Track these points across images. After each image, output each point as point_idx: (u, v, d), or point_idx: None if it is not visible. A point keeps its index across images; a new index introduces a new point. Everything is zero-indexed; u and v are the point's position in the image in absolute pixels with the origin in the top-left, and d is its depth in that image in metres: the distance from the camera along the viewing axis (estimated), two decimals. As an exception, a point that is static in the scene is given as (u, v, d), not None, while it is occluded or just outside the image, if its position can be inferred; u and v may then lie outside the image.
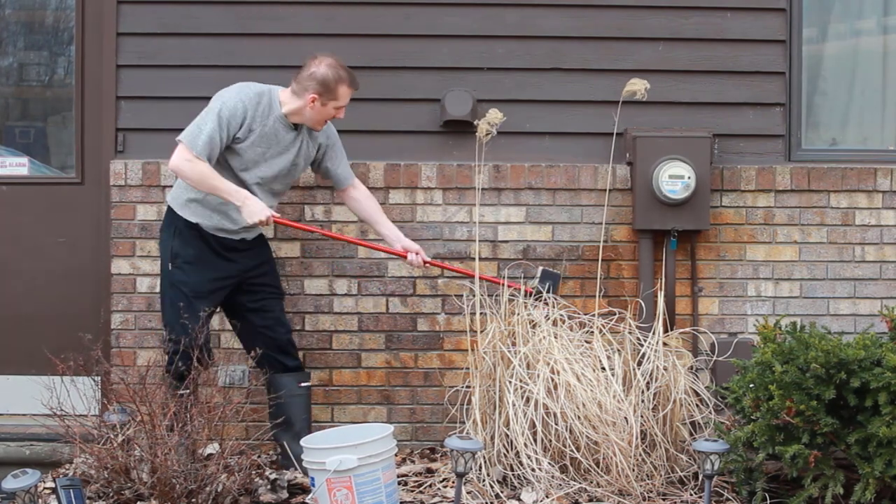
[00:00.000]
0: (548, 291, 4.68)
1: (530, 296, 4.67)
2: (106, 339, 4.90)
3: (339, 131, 4.68)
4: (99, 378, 4.40)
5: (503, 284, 4.70)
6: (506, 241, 5.01)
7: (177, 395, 4.08)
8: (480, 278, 4.65)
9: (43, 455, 4.80)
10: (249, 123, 4.36)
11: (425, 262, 4.68)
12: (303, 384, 4.61)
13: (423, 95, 5.01)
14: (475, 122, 4.66)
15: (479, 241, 4.94)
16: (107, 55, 4.99)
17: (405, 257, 4.66)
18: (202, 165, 4.27)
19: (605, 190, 4.98)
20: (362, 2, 5.01)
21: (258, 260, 4.59)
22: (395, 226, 4.72)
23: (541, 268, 4.84)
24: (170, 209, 4.51)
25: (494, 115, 4.58)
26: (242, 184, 4.39)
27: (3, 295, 5.11)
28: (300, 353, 4.89)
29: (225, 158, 4.38)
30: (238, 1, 5.01)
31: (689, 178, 4.82)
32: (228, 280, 4.51)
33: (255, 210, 4.30)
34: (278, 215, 4.44)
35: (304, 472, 4.15)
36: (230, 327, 4.79)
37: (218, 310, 4.64)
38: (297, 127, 4.47)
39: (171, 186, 4.94)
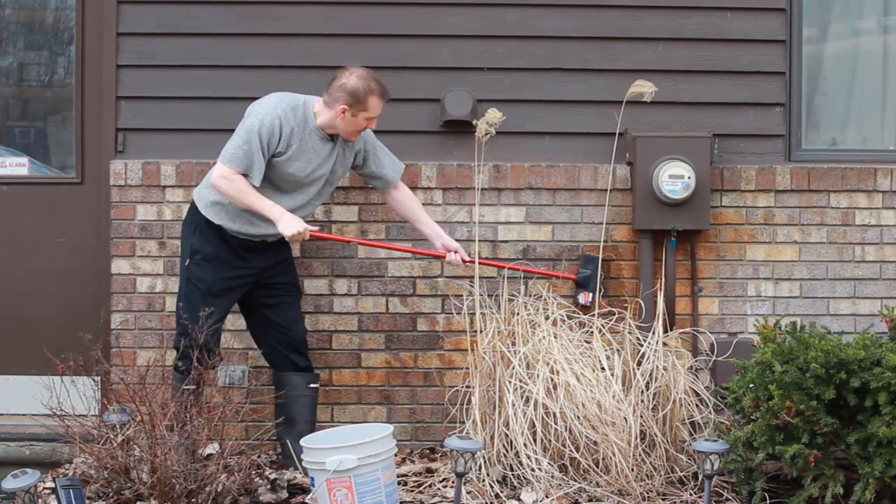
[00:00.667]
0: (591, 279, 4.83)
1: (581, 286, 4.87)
2: (106, 339, 4.90)
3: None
4: (99, 378, 4.40)
5: (558, 276, 4.84)
6: (506, 241, 5.01)
7: (182, 390, 4.09)
8: (529, 271, 4.78)
9: (43, 455, 4.80)
10: (287, 139, 4.36)
11: (464, 262, 4.67)
12: (311, 385, 4.61)
13: (423, 95, 5.01)
14: (475, 122, 4.66)
15: (479, 240, 4.94)
16: (107, 55, 4.99)
17: (444, 256, 4.67)
18: (239, 182, 4.29)
19: (606, 190, 4.98)
20: (362, 2, 5.02)
21: (276, 259, 4.57)
22: (436, 224, 4.72)
23: (584, 254, 4.91)
24: (193, 205, 4.52)
25: (493, 115, 4.58)
26: (282, 195, 4.41)
27: (3, 295, 5.11)
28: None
29: (268, 176, 4.39)
30: (238, 1, 5.01)
31: (689, 178, 4.82)
32: (245, 279, 4.51)
33: (291, 223, 4.31)
34: (316, 229, 4.45)
35: (305, 471, 4.15)
36: (230, 327, 4.79)
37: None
38: (332, 137, 4.47)
39: (171, 186, 4.95)
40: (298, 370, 4.58)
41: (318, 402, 4.68)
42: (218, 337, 4.48)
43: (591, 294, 4.84)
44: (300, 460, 4.12)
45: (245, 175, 4.29)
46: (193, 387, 4.11)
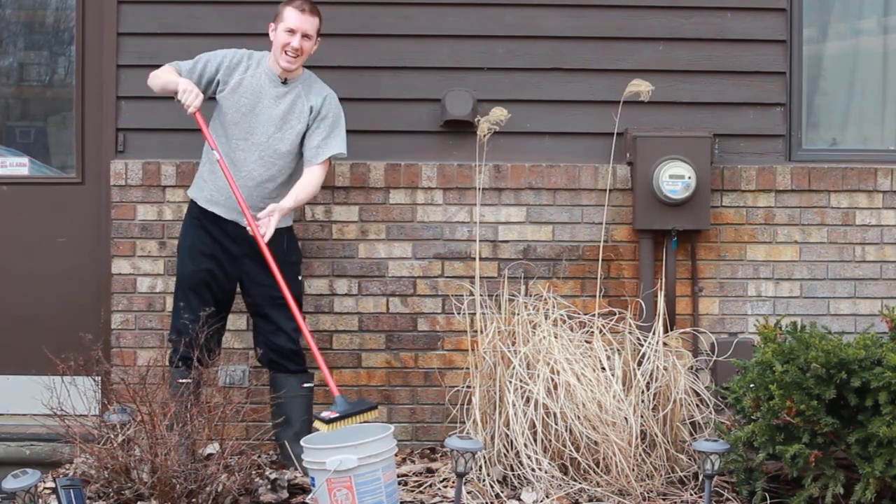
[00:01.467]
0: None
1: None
2: (106, 339, 4.90)
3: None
4: (99, 378, 4.39)
5: None
6: (506, 241, 5.01)
7: (180, 384, 4.08)
8: None
9: (43, 455, 4.80)
10: (231, 68, 4.47)
11: (252, 231, 4.32)
12: (305, 385, 4.60)
13: (423, 95, 5.01)
14: (475, 122, 4.66)
15: (480, 241, 4.94)
16: (107, 55, 4.99)
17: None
18: (165, 67, 4.49)
19: (606, 190, 4.98)
20: (362, 2, 5.02)
21: (253, 251, 4.39)
22: (287, 204, 4.36)
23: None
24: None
25: (499, 114, 4.59)
26: (234, 141, 4.44)
27: (3, 295, 5.11)
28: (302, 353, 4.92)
29: (217, 114, 4.47)
30: (238, 1, 5.01)
31: (689, 177, 4.82)
32: (219, 269, 4.47)
33: (187, 84, 4.38)
34: (200, 114, 4.38)
35: (305, 471, 4.15)
36: (230, 326, 4.78)
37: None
38: (286, 83, 4.49)
39: (172, 186, 4.96)
40: (289, 372, 4.55)
41: (313, 401, 4.67)
42: (217, 337, 4.45)
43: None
44: (300, 460, 4.12)
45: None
46: (189, 381, 4.10)
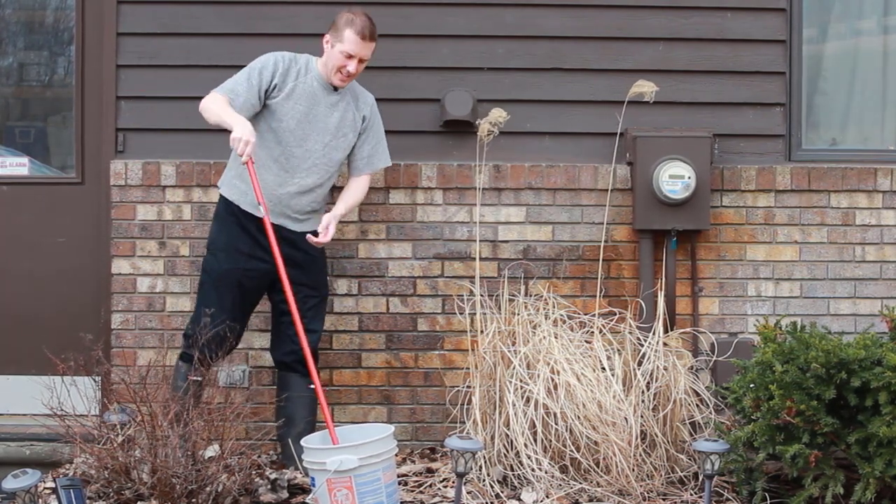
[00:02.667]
0: None
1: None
2: (106, 339, 4.89)
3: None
4: (99, 378, 4.39)
5: None
6: (506, 241, 5.01)
7: (190, 379, 4.07)
8: None
9: (43, 455, 4.79)
10: (283, 76, 4.39)
11: (316, 240, 4.43)
12: (311, 386, 4.59)
13: (423, 95, 5.01)
14: (475, 122, 4.66)
15: (480, 241, 4.94)
16: (107, 55, 4.99)
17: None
18: (220, 99, 4.31)
19: (606, 190, 4.98)
20: (362, 2, 5.01)
21: (292, 255, 4.40)
22: (342, 207, 4.53)
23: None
24: (220, 196, 4.53)
25: (498, 115, 4.59)
26: (288, 148, 4.39)
27: (3, 295, 5.11)
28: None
29: (269, 119, 4.39)
30: (238, 1, 5.01)
31: (689, 177, 4.83)
32: (257, 272, 4.44)
33: (242, 126, 4.19)
34: (252, 141, 4.20)
35: (305, 471, 4.15)
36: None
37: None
38: (336, 90, 4.47)
39: (172, 186, 4.96)
40: (298, 373, 4.55)
41: (318, 402, 4.67)
42: (237, 333, 4.43)
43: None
44: (300, 460, 4.12)
45: (231, 103, 4.32)
46: (199, 379, 4.10)
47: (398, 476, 4.27)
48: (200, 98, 4.88)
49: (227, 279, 4.44)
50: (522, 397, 4.33)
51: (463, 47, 5.02)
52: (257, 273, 4.45)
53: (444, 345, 4.99)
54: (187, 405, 4.00)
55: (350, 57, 4.39)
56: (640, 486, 4.27)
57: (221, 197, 4.51)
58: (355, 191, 4.61)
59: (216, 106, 4.31)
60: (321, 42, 4.47)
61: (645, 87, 4.67)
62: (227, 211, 4.47)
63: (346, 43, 4.37)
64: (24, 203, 5.12)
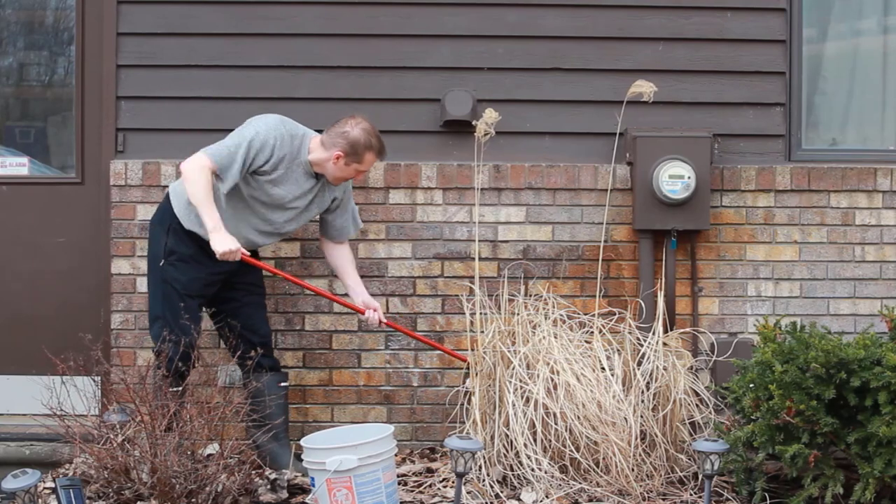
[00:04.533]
0: None
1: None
2: (106, 339, 4.89)
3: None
4: (99, 378, 4.39)
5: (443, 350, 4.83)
6: (506, 241, 5.01)
7: (176, 392, 4.07)
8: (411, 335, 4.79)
9: (43, 455, 4.79)
10: (276, 162, 4.37)
11: (381, 322, 4.65)
12: (282, 384, 4.59)
13: (423, 95, 5.01)
14: (475, 123, 4.66)
15: (479, 241, 4.94)
16: (107, 55, 4.99)
17: (363, 313, 4.64)
18: (206, 179, 4.25)
19: (606, 190, 4.98)
20: (362, 2, 5.02)
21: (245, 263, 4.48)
22: (361, 282, 4.70)
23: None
24: (168, 206, 4.47)
25: (490, 115, 4.59)
26: (252, 214, 4.43)
27: (3, 295, 5.11)
28: (300, 354, 4.92)
29: (243, 191, 4.39)
30: (238, 1, 5.01)
31: (689, 177, 4.83)
32: (218, 276, 4.49)
33: (223, 241, 4.25)
34: (248, 254, 4.37)
35: (304, 471, 4.14)
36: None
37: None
38: (317, 176, 4.49)
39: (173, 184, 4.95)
40: (265, 369, 4.51)
41: (289, 400, 4.67)
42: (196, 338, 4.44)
43: None
44: (276, 462, 4.11)
45: (217, 176, 4.29)
46: (184, 388, 4.10)
47: (398, 476, 4.28)
48: (200, 98, 4.91)
49: (195, 286, 4.44)
50: (522, 397, 4.33)
51: (463, 47, 5.02)
52: (216, 278, 4.48)
53: (443, 345, 4.99)
54: (186, 405, 4.00)
55: (361, 172, 4.50)
56: (640, 486, 4.27)
57: (174, 214, 4.44)
58: (350, 259, 4.71)
59: (201, 190, 4.25)
60: (324, 135, 4.43)
61: (644, 87, 4.67)
62: (181, 227, 4.43)
63: (364, 164, 4.45)
64: (24, 203, 5.12)
